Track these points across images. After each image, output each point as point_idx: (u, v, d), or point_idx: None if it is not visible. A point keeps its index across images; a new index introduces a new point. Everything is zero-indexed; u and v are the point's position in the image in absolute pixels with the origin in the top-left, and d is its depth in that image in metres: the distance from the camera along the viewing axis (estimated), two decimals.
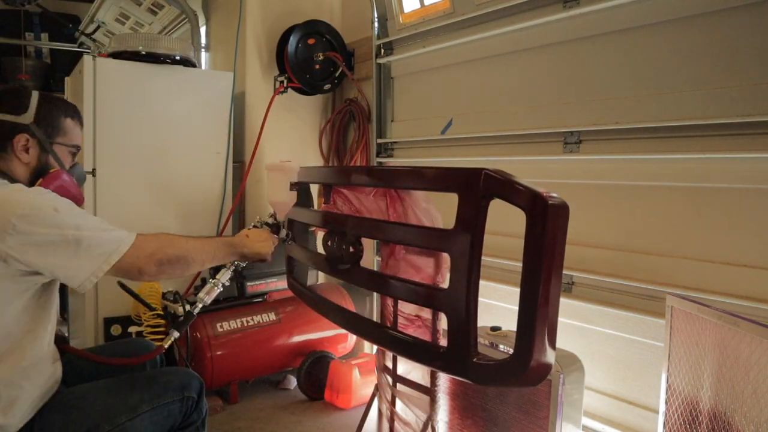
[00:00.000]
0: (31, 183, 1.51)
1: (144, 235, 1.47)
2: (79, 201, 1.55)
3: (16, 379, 1.38)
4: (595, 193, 2.27)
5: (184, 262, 1.52)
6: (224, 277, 1.84)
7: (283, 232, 1.97)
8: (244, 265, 1.88)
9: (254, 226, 1.88)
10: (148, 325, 2.67)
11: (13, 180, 1.50)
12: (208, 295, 1.82)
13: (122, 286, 2.45)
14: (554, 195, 1.19)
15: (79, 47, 5.31)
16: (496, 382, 1.33)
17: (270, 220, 1.95)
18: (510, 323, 1.69)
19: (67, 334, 3.46)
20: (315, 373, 3.08)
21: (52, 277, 1.40)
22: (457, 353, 1.33)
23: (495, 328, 2.05)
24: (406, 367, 1.98)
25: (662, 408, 1.78)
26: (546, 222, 1.16)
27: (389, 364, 2.01)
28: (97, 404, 1.46)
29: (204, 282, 2.79)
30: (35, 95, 1.55)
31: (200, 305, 1.81)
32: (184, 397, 1.58)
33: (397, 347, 1.65)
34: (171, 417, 1.57)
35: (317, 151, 3.82)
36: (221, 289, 1.85)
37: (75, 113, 1.62)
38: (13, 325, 1.38)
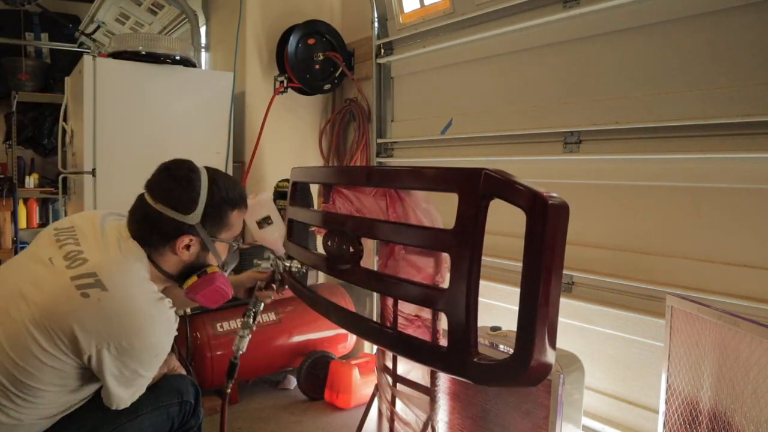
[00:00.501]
0: (180, 277, 1.48)
1: None
2: (224, 299, 1.55)
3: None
4: (595, 193, 2.27)
5: None
6: (251, 325, 1.93)
7: (290, 265, 1.87)
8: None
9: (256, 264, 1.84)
10: None
11: (157, 267, 1.45)
12: (242, 344, 1.98)
13: None
14: (554, 195, 1.19)
15: (79, 47, 5.30)
16: (496, 382, 1.33)
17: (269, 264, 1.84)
18: (510, 323, 1.69)
19: None
20: (315, 373, 3.08)
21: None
22: (457, 353, 1.33)
23: (495, 328, 2.05)
24: (406, 367, 1.98)
25: (662, 408, 1.78)
26: (546, 222, 1.16)
27: (389, 364, 2.01)
28: (99, 406, 1.45)
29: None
30: (204, 187, 1.46)
31: (238, 354, 1.95)
32: (183, 401, 1.59)
33: (397, 347, 1.65)
34: (169, 420, 1.57)
35: (317, 151, 3.82)
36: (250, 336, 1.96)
37: (241, 202, 1.55)
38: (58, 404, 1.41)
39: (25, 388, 1.32)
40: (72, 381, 1.37)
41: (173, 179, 1.47)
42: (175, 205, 1.42)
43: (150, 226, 1.45)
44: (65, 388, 1.38)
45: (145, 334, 1.32)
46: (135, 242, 1.45)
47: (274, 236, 1.83)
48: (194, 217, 1.42)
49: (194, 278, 1.47)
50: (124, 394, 1.39)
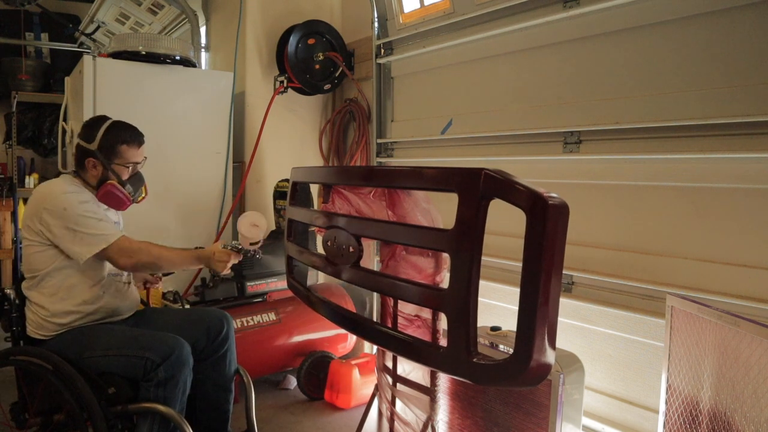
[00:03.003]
0: (98, 187, 2.10)
1: (128, 240, 2.03)
2: (123, 202, 2.15)
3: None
4: (595, 193, 2.27)
5: (154, 267, 2.14)
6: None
7: (250, 252, 2.20)
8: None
9: (224, 246, 2.17)
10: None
11: (86, 182, 2.12)
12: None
13: None
14: (554, 195, 1.19)
15: (79, 47, 5.30)
16: (496, 382, 1.33)
17: (236, 245, 2.19)
18: (510, 323, 1.69)
19: None
20: (315, 373, 3.08)
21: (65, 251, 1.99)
22: (457, 353, 1.33)
23: (495, 328, 2.05)
24: (406, 367, 1.98)
25: (662, 408, 1.78)
26: (546, 222, 1.16)
27: (389, 364, 2.01)
28: (98, 338, 1.97)
29: (204, 282, 2.84)
30: (103, 127, 2.10)
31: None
32: (145, 357, 1.88)
33: (397, 347, 1.65)
34: (132, 368, 1.89)
35: (317, 151, 3.82)
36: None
37: (131, 138, 2.13)
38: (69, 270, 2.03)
39: (40, 281, 2.02)
40: (56, 259, 2.00)
41: (86, 121, 2.17)
42: (83, 137, 2.11)
43: (77, 157, 2.13)
44: (58, 268, 2.00)
45: (57, 197, 1.98)
46: (70, 173, 2.20)
47: (256, 235, 2.20)
48: (93, 146, 2.08)
49: (101, 187, 2.11)
50: (76, 248, 1.96)
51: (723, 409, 1.54)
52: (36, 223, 1.98)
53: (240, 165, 3.63)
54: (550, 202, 1.17)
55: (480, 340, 1.89)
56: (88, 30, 4.95)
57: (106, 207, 2.15)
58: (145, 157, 2.21)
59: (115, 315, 2.15)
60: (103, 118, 2.15)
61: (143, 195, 2.30)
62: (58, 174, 2.27)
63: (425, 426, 1.89)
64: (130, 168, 2.15)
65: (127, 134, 2.12)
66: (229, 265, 2.12)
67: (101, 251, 1.97)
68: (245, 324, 2.96)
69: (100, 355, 1.92)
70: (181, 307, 2.70)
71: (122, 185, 2.11)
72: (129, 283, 2.23)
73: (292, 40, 3.44)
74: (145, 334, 2.01)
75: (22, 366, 1.95)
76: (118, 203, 2.15)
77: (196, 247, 2.26)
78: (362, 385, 2.95)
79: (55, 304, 2.00)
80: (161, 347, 1.90)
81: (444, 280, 1.66)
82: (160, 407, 1.86)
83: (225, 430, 2.20)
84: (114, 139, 2.09)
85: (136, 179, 2.19)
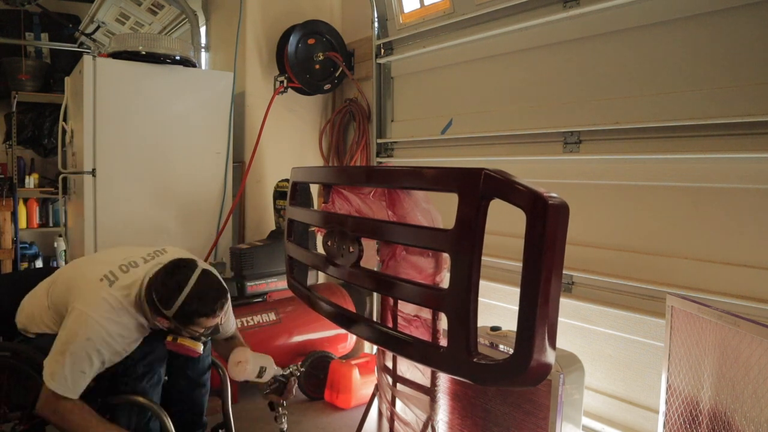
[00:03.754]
0: (166, 333, 1.95)
1: (66, 404, 1.82)
2: (190, 354, 1.96)
3: None
4: (595, 193, 2.26)
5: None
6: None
7: (290, 371, 2.17)
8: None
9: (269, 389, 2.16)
10: None
11: (143, 313, 1.93)
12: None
13: None
14: (554, 195, 1.19)
15: (79, 47, 5.30)
16: (496, 382, 1.33)
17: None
18: (510, 323, 1.69)
19: None
20: (315, 373, 3.08)
21: None
22: (457, 353, 1.33)
23: (495, 328, 2.05)
24: (406, 367, 1.98)
25: (662, 408, 1.78)
26: (546, 222, 1.16)
27: (389, 364, 2.01)
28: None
29: None
30: (182, 296, 1.85)
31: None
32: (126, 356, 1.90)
33: (397, 347, 1.65)
34: (112, 365, 1.90)
35: (317, 151, 3.82)
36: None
37: (210, 311, 1.89)
38: None
39: None
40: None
41: (164, 285, 1.88)
42: (159, 299, 1.86)
43: (147, 303, 1.91)
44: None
45: (91, 317, 1.84)
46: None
47: (269, 373, 2.11)
48: (170, 312, 1.86)
49: (169, 338, 1.95)
50: (49, 362, 1.82)
51: (723, 409, 1.54)
52: (60, 308, 1.93)
53: (240, 165, 3.63)
54: (550, 202, 1.17)
55: (480, 340, 1.89)
56: (88, 30, 4.95)
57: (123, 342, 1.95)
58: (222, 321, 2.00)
59: None
60: (181, 285, 1.87)
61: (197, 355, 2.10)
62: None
63: (425, 426, 1.89)
64: (203, 331, 1.96)
65: (207, 308, 1.89)
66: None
67: (44, 389, 1.82)
68: (245, 324, 2.96)
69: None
70: None
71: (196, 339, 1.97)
72: None
73: (292, 40, 3.44)
74: None
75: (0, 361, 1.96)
76: (186, 355, 2.00)
77: None
78: (362, 385, 2.95)
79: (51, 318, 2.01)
80: (140, 346, 1.96)
81: (444, 280, 1.66)
82: (139, 399, 1.92)
83: (200, 422, 2.22)
84: (193, 312, 1.88)
85: (212, 334, 2.04)
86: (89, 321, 1.83)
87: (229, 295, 1.97)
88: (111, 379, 1.96)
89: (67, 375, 1.81)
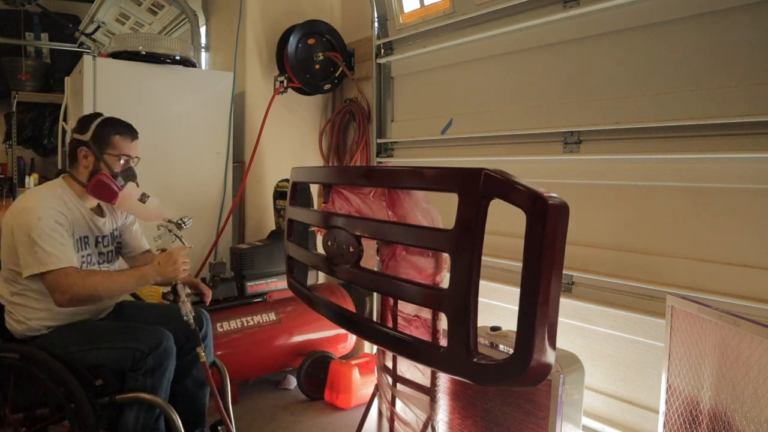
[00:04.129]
0: (89, 180, 2.07)
1: (67, 275, 1.90)
2: (114, 193, 2.08)
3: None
4: (595, 193, 2.27)
5: (93, 299, 1.99)
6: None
7: (178, 221, 2.19)
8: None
9: (158, 248, 2.15)
10: None
11: (76, 180, 2.09)
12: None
13: None
14: (554, 195, 1.19)
15: (79, 47, 5.30)
16: (496, 382, 1.33)
17: (163, 231, 2.16)
18: (510, 323, 1.69)
19: None
20: (315, 373, 3.08)
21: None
22: (457, 353, 1.33)
23: (495, 328, 2.05)
24: (406, 367, 1.98)
25: (662, 408, 1.78)
26: (546, 222, 1.16)
27: (389, 364, 2.01)
28: (85, 332, 2.00)
29: (203, 282, 2.82)
30: (98, 119, 2.10)
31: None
32: (134, 348, 1.92)
33: (397, 347, 1.65)
34: (122, 359, 1.93)
35: (317, 151, 3.82)
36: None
37: (125, 131, 2.13)
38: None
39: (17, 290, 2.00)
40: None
41: (80, 117, 2.16)
42: (77, 130, 2.09)
43: (69, 150, 2.12)
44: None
45: (34, 208, 1.94)
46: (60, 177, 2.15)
47: (155, 204, 2.15)
48: (86, 136, 2.06)
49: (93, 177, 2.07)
50: (28, 257, 1.90)
51: (723, 409, 1.54)
52: (11, 230, 1.97)
53: (240, 165, 3.63)
54: (550, 202, 1.17)
55: (480, 340, 1.89)
56: (88, 30, 4.95)
57: (92, 207, 2.13)
58: (138, 158, 2.18)
59: (99, 313, 2.18)
60: (98, 114, 2.15)
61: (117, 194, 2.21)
62: (57, 174, 2.22)
63: (425, 426, 1.89)
64: (123, 161, 2.11)
65: (121, 127, 2.12)
66: (182, 264, 2.02)
67: (43, 274, 1.90)
68: (245, 324, 2.96)
69: (87, 349, 1.95)
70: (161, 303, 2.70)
71: (113, 177, 2.08)
72: None
73: (292, 40, 3.44)
74: (131, 326, 2.05)
75: (7, 363, 1.95)
76: (108, 195, 2.09)
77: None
78: (362, 385, 2.95)
79: (39, 311, 2.01)
80: (149, 338, 1.96)
81: (444, 280, 1.66)
82: (147, 396, 1.91)
83: (202, 422, 2.24)
84: (108, 130, 2.08)
85: (128, 174, 2.14)
86: (30, 209, 1.93)
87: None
88: (118, 376, 1.96)
89: (51, 252, 1.88)
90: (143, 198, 2.11)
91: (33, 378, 1.91)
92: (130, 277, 2.02)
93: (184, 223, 2.18)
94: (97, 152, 2.06)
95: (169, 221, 2.17)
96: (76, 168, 2.10)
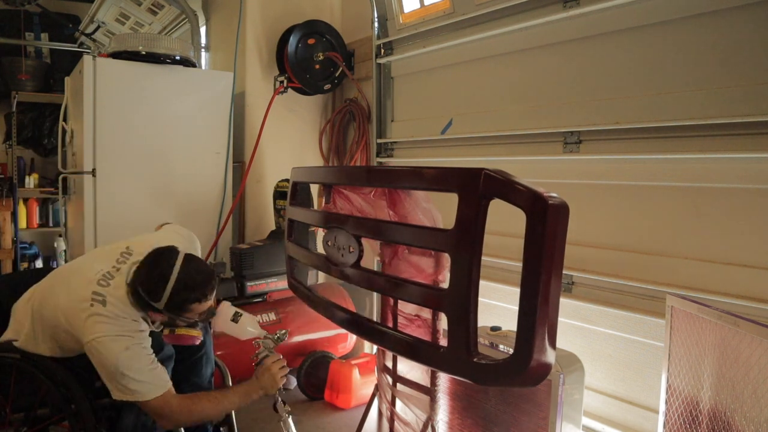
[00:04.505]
0: (162, 330, 1.97)
1: (167, 402, 1.82)
2: (190, 342, 1.97)
3: None
4: (595, 193, 2.26)
5: (197, 422, 1.95)
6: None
7: (276, 336, 2.12)
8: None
9: (254, 361, 2.08)
10: None
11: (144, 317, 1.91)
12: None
13: None
14: (554, 195, 1.19)
15: (79, 47, 5.30)
16: (496, 382, 1.33)
17: (264, 351, 2.09)
18: (510, 323, 1.69)
19: None
20: (315, 373, 3.08)
21: None
22: (457, 353, 1.33)
23: (495, 328, 2.05)
24: (406, 367, 1.98)
25: (662, 408, 1.78)
26: (546, 222, 1.16)
27: (389, 364, 2.01)
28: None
29: None
30: (170, 285, 1.81)
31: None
32: None
33: (397, 347, 1.65)
34: None
35: (317, 151, 3.82)
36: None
37: (202, 296, 1.88)
38: None
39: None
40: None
41: (148, 276, 1.83)
42: (146, 292, 1.82)
43: (136, 300, 1.85)
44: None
45: (111, 359, 1.79)
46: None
47: (248, 321, 2.12)
48: (160, 304, 1.82)
49: (166, 331, 1.95)
50: (112, 384, 1.79)
51: (723, 409, 1.54)
52: (56, 335, 1.88)
53: (240, 165, 3.63)
54: (550, 202, 1.17)
55: (480, 340, 1.89)
56: (88, 30, 4.95)
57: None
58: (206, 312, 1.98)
59: None
60: (166, 274, 1.83)
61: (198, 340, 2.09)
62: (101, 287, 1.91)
63: (425, 426, 1.89)
64: (197, 317, 1.95)
65: (198, 293, 1.86)
66: (280, 374, 2.03)
67: (148, 405, 1.81)
68: None
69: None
70: None
71: (192, 326, 1.96)
72: None
73: (292, 40, 3.44)
74: None
75: (8, 363, 1.93)
76: (183, 344, 2.00)
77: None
78: (362, 385, 2.95)
79: None
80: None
81: (444, 280, 1.66)
82: None
83: (204, 426, 2.22)
84: (184, 300, 1.85)
85: (207, 318, 2.02)
86: (109, 341, 1.78)
87: (216, 276, 1.95)
88: None
89: (145, 380, 1.79)
90: (236, 318, 2.09)
91: (33, 378, 1.91)
92: (235, 397, 1.98)
93: (280, 339, 2.12)
94: (173, 318, 1.89)
95: (266, 337, 2.10)
96: (146, 315, 1.92)
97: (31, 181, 5.08)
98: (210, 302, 1.92)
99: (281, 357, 2.07)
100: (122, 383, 1.77)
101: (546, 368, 1.21)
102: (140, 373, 1.79)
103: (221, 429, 2.24)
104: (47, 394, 1.91)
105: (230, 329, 2.10)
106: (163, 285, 1.80)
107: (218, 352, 2.85)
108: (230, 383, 2.28)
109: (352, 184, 1.87)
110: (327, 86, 3.59)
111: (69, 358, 1.93)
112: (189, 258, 1.88)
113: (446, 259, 1.64)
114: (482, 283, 1.29)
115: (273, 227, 3.51)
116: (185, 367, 2.16)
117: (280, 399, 2.05)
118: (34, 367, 1.89)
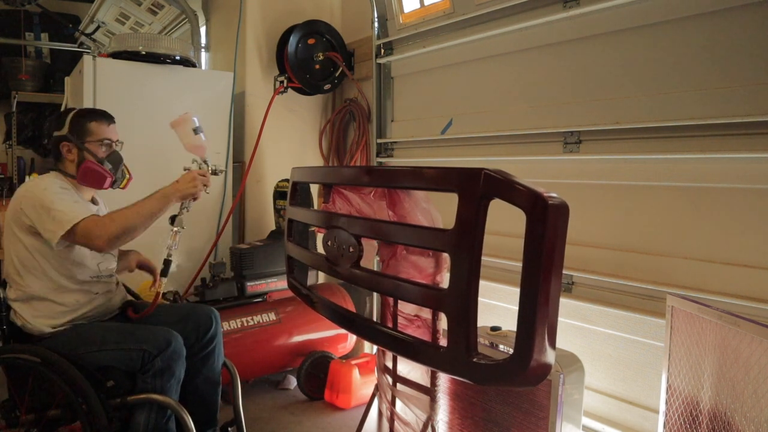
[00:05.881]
0: (77, 171, 2.11)
1: (94, 219, 1.96)
2: (103, 177, 2.13)
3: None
4: (595, 193, 2.27)
5: (130, 230, 1.97)
6: (181, 222, 2.15)
7: (212, 166, 2.22)
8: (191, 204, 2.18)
9: (185, 169, 2.18)
10: None
11: (66, 174, 2.13)
12: (173, 240, 2.14)
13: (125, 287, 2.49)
14: (554, 195, 1.19)
15: (79, 47, 5.31)
16: (496, 382, 1.33)
17: (195, 165, 2.19)
18: (510, 323, 1.69)
19: None
20: (315, 373, 3.08)
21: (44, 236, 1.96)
22: (457, 353, 1.33)
23: (495, 328, 2.05)
24: (406, 367, 1.98)
25: (662, 408, 1.78)
26: (546, 222, 1.16)
27: (389, 364, 2.01)
28: (95, 334, 2.00)
29: (204, 282, 2.85)
30: (70, 113, 2.14)
31: (171, 251, 2.14)
32: (143, 349, 1.93)
33: (397, 347, 1.65)
34: (130, 360, 1.94)
35: (317, 151, 3.82)
36: (182, 230, 2.16)
37: (99, 116, 2.16)
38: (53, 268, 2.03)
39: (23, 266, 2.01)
40: (39, 243, 1.98)
41: (53, 115, 2.25)
42: (53, 127, 2.13)
43: (53, 149, 2.15)
44: (42, 254, 2.00)
45: (37, 186, 2.01)
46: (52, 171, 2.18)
47: (202, 141, 2.20)
48: (63, 130, 2.10)
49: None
50: (49, 225, 1.92)
51: (723, 409, 1.54)
52: (19, 216, 1.99)
53: (240, 165, 3.63)
54: (550, 202, 1.17)
55: (480, 340, 1.89)
56: (88, 30, 4.96)
57: (87, 199, 2.18)
58: (121, 141, 2.22)
59: (107, 314, 2.19)
60: (71, 108, 2.20)
61: (127, 177, 2.29)
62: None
63: (425, 426, 1.89)
64: (105, 146, 2.14)
65: (95, 113, 2.16)
66: (200, 182, 2.10)
67: (71, 232, 1.91)
68: (245, 324, 2.96)
69: (97, 350, 1.95)
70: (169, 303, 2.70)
71: (100, 162, 2.12)
72: (118, 283, 2.29)
73: (292, 40, 3.44)
74: (141, 328, 2.05)
75: (18, 363, 1.96)
76: (99, 180, 2.13)
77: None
78: (362, 385, 2.95)
79: (46, 309, 2.03)
80: (157, 340, 1.96)
81: (444, 280, 1.66)
82: (158, 397, 1.91)
83: (214, 421, 2.24)
84: (83, 119, 2.12)
85: (114, 158, 2.18)
86: (35, 184, 2.02)
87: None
88: (129, 378, 1.96)
89: (67, 210, 1.93)
90: (198, 131, 2.16)
91: (45, 379, 1.91)
92: (152, 200, 2.04)
93: (216, 171, 2.22)
94: (78, 143, 2.10)
95: (205, 161, 2.20)
96: (63, 164, 2.14)
97: None
98: (113, 130, 2.17)
99: (208, 175, 2.17)
100: (51, 216, 1.91)
101: (546, 368, 1.21)
102: (63, 204, 1.95)
103: (229, 429, 2.24)
104: (58, 395, 1.91)
105: (187, 136, 2.20)
106: (65, 114, 2.14)
107: (225, 351, 2.85)
108: (238, 383, 2.28)
109: (351, 184, 1.87)
110: (327, 86, 3.59)
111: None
112: None
113: (446, 259, 1.64)
114: (482, 283, 1.29)
115: (273, 227, 3.51)
116: (198, 360, 2.18)
117: (185, 212, 2.14)
118: (46, 368, 1.89)
